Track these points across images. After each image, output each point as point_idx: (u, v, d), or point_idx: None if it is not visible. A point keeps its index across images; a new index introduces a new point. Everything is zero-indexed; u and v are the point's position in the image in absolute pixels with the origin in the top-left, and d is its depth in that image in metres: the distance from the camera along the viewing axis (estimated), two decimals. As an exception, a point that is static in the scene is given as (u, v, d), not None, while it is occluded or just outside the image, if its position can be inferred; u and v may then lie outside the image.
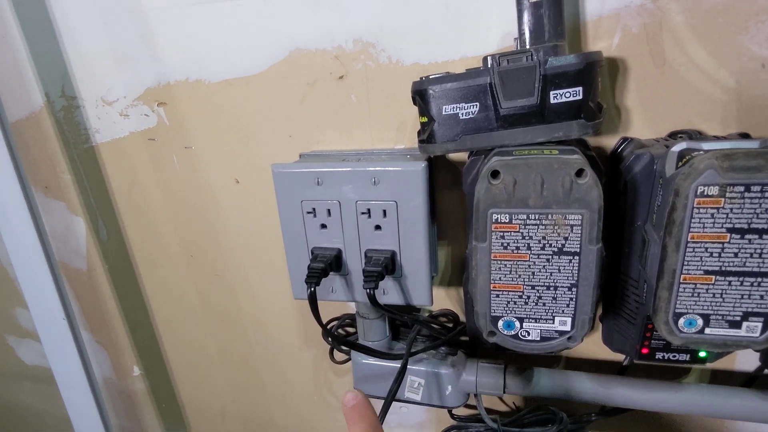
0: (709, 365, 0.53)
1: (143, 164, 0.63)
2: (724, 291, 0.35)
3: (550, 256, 0.37)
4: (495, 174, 0.36)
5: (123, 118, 0.61)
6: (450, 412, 0.60)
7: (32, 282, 0.69)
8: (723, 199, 0.32)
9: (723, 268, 0.34)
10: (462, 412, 0.60)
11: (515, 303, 0.39)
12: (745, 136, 0.41)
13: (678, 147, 0.35)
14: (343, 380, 0.71)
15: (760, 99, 0.41)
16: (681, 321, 0.36)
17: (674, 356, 0.45)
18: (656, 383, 0.50)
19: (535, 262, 0.37)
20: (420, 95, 0.41)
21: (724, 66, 0.41)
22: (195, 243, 0.67)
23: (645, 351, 0.45)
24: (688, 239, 0.34)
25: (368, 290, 0.45)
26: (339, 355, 0.65)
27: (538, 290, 0.38)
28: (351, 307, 0.63)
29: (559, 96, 0.37)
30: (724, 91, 0.42)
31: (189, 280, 0.71)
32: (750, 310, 0.35)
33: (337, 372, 0.70)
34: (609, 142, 0.46)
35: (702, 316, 0.36)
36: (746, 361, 0.51)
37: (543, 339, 0.41)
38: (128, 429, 0.95)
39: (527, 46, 0.39)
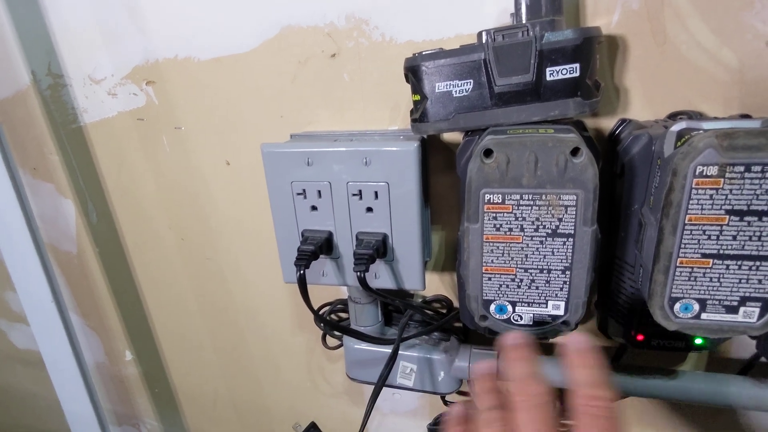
0: (704, 352, 0.52)
1: (132, 145, 0.62)
2: (721, 275, 0.34)
3: (544, 238, 0.36)
4: (488, 152, 0.35)
5: (111, 97, 0.59)
6: (443, 398, 0.59)
7: (20, 265, 0.68)
8: (722, 180, 0.31)
9: (721, 252, 0.33)
10: (455, 398, 0.60)
11: (507, 286, 0.38)
12: (746, 117, 0.39)
13: (677, 126, 0.34)
14: (335, 366, 0.70)
15: (763, 79, 0.40)
16: (677, 306, 0.35)
17: (670, 343, 0.44)
18: (651, 370, 0.49)
19: (528, 244, 0.36)
20: (412, 72, 0.39)
21: (726, 44, 0.40)
22: (186, 226, 0.66)
23: (640, 337, 0.45)
24: (686, 221, 0.33)
25: (359, 273, 0.44)
26: (331, 341, 0.64)
27: (531, 273, 0.37)
28: (343, 292, 0.62)
29: (555, 73, 0.36)
30: (727, 70, 0.40)
31: (180, 264, 0.70)
32: (748, 294, 0.34)
33: (330, 358, 0.70)
34: (607, 123, 0.45)
35: (698, 300, 0.35)
36: (742, 348, 0.50)
37: (536, 324, 0.40)
38: (121, 413, 0.94)
39: (523, 21, 0.38)
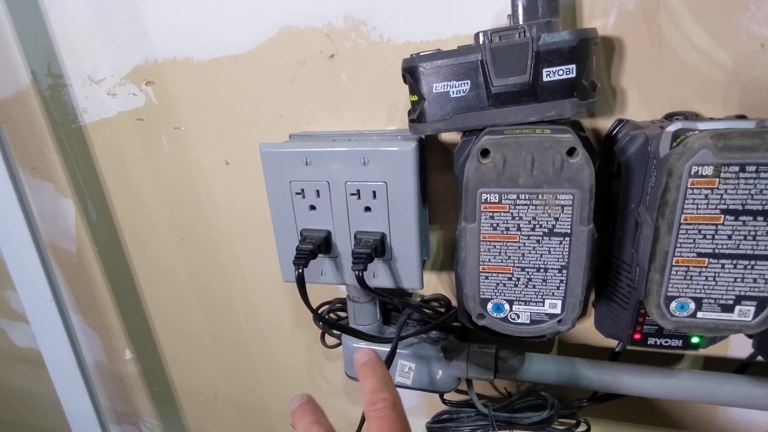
0: (701, 351, 0.52)
1: (132, 145, 0.62)
2: (716, 274, 0.34)
3: (541, 238, 0.36)
4: (485, 152, 0.35)
5: (111, 97, 0.59)
6: (441, 397, 0.60)
7: (19, 264, 0.69)
8: (717, 180, 0.31)
9: (716, 251, 0.33)
10: (454, 397, 0.60)
11: (505, 285, 0.39)
12: (742, 118, 0.40)
13: (673, 127, 0.34)
14: (334, 365, 0.71)
15: (758, 80, 0.40)
16: (673, 304, 0.35)
17: (666, 342, 0.45)
18: (648, 369, 0.49)
19: (525, 244, 0.37)
20: (410, 73, 0.40)
21: (722, 46, 0.40)
22: (186, 226, 0.66)
23: (637, 336, 0.45)
24: (681, 221, 0.33)
25: (357, 272, 0.45)
26: (330, 340, 0.64)
27: (527, 272, 0.38)
28: (342, 291, 0.63)
29: (552, 74, 0.36)
30: (722, 71, 0.41)
31: (180, 263, 0.70)
32: (743, 293, 0.34)
33: (329, 356, 0.70)
34: (604, 124, 0.45)
35: (694, 299, 0.35)
36: (739, 347, 0.51)
37: (533, 322, 0.40)
38: (121, 412, 0.95)
39: (520, 23, 0.38)
